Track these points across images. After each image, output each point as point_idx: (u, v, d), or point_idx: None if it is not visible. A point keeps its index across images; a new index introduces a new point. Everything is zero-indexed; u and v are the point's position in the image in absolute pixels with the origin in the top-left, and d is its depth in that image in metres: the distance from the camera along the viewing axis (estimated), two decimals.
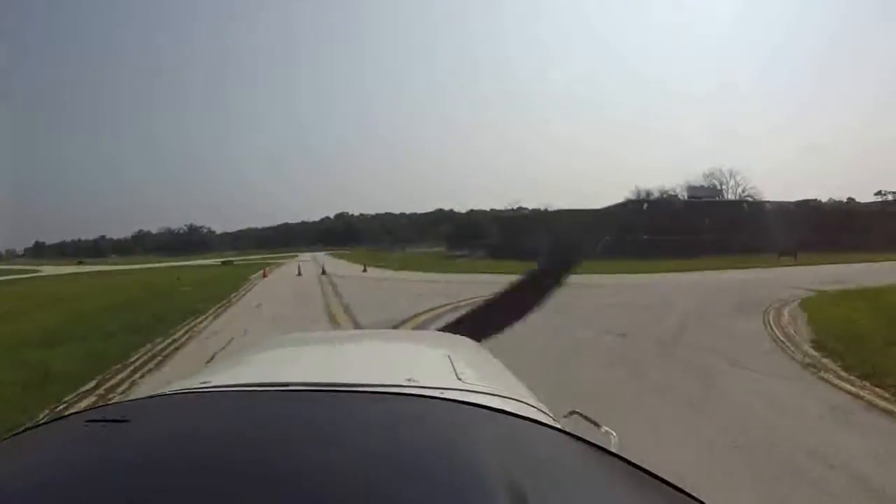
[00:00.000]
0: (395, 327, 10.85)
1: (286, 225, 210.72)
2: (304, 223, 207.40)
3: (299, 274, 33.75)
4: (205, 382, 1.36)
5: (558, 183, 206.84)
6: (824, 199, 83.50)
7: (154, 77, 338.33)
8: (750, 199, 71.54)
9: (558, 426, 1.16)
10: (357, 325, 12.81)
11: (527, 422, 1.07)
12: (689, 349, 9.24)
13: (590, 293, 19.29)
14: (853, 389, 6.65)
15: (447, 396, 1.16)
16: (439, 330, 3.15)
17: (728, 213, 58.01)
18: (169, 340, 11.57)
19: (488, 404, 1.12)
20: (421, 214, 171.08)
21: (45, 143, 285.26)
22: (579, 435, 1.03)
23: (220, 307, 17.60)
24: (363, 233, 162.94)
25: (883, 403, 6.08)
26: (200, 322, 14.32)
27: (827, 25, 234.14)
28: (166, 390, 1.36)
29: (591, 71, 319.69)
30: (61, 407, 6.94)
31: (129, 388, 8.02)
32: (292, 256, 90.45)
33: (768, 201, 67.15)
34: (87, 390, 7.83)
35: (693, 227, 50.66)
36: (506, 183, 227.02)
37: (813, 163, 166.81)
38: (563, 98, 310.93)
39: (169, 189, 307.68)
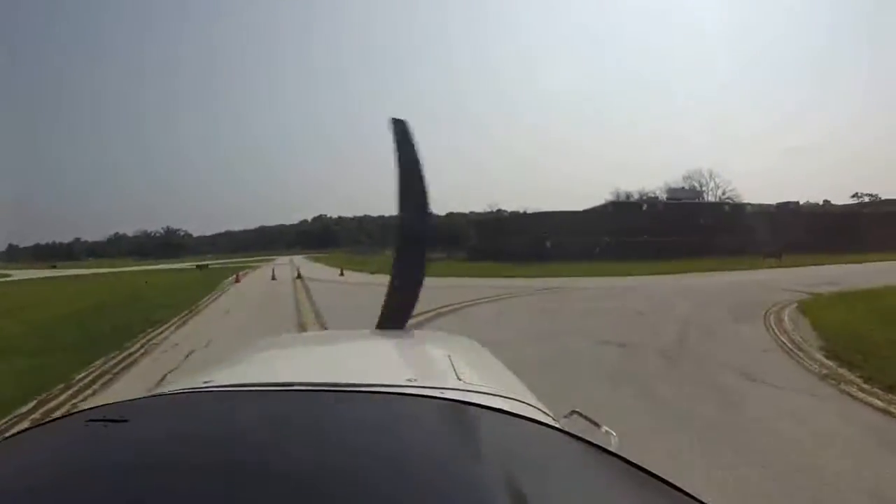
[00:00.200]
0: None
1: (264, 228, 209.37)
2: (281, 226, 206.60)
3: (273, 278, 32.64)
4: (205, 382, 1.34)
5: (537, 186, 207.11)
6: (801, 202, 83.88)
7: (131, 79, 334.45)
8: (730, 200, 71.70)
9: (558, 426, 1.15)
10: None
11: (527, 422, 1.07)
12: (695, 361, 8.49)
13: (577, 297, 18.95)
14: (881, 405, 6.17)
15: (447, 396, 1.16)
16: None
17: (709, 215, 57.78)
18: (124, 355, 10.54)
19: (488, 404, 1.12)
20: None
21: (19, 146, 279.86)
22: (579, 435, 1.02)
23: (185, 315, 16.53)
24: (341, 235, 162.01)
25: None
26: (161, 332, 13.26)
27: (807, 31, 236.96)
28: (166, 390, 1.36)
29: (572, 74, 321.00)
30: None
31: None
32: (269, 260, 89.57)
33: (749, 203, 67.20)
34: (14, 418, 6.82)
35: (675, 229, 50.22)
36: (484, 186, 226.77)
37: (789, 166, 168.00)
38: (543, 101, 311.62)
39: (146, 192, 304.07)
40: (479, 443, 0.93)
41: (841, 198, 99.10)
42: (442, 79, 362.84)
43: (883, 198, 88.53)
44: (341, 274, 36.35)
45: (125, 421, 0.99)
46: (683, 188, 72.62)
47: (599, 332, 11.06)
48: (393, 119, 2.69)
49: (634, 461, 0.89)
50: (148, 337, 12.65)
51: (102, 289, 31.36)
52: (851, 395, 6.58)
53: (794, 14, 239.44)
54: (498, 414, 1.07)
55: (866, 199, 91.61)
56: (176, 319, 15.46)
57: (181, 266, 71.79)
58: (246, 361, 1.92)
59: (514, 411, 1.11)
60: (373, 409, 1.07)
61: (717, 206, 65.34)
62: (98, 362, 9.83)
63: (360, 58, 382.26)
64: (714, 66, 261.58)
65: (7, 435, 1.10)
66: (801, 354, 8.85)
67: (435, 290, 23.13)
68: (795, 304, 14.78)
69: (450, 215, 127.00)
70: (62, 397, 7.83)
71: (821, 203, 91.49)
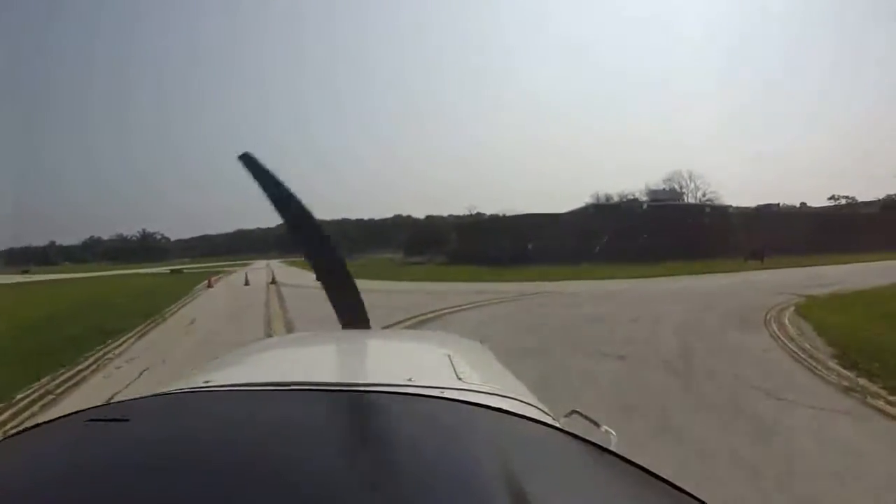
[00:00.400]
0: None
1: (241, 231, 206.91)
2: (259, 229, 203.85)
3: (247, 283, 31.50)
4: (205, 382, 1.34)
5: (516, 189, 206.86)
6: (780, 204, 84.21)
7: (106, 80, 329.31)
8: (710, 202, 71.53)
9: (558, 426, 1.16)
10: None
11: (527, 421, 1.08)
12: (708, 377, 7.69)
13: (565, 302, 18.10)
14: None
15: (447, 396, 1.16)
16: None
17: (691, 217, 57.51)
18: (72, 373, 9.48)
19: (488, 404, 1.12)
20: (378, 220, 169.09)
21: None
22: (579, 434, 1.03)
23: (148, 324, 15.45)
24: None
25: None
26: (120, 345, 12.19)
27: (782, 32, 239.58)
28: (166, 390, 1.34)
29: (552, 77, 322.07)
30: None
31: None
32: (247, 264, 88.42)
33: (730, 205, 67.16)
34: None
35: (656, 231, 49.79)
36: (464, 189, 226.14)
37: (766, 168, 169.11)
38: (523, 105, 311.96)
39: (122, 195, 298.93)
40: (479, 443, 0.93)
41: (817, 200, 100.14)
42: (419, 81, 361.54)
43: (859, 200, 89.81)
44: (317, 279, 35.04)
45: (125, 421, 1.02)
46: (664, 189, 72.51)
47: (594, 342, 10.26)
48: (239, 157, 2.75)
49: (634, 461, 0.89)
50: (104, 350, 11.61)
51: (67, 296, 29.91)
52: (883, 412, 6.14)
53: (767, 16, 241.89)
54: (498, 414, 1.07)
55: (843, 202, 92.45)
56: (138, 330, 14.38)
57: (156, 270, 69.94)
58: (246, 361, 1.89)
59: (514, 411, 1.11)
60: (373, 410, 1.08)
61: (699, 208, 65.07)
62: (41, 381, 8.82)
63: (340, 57, 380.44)
64: (692, 69, 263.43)
65: (7, 435, 1.10)
66: (815, 364, 8.29)
67: (415, 294, 22.95)
68: (793, 308, 14.38)
69: (429, 218, 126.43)
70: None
71: (797, 206, 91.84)
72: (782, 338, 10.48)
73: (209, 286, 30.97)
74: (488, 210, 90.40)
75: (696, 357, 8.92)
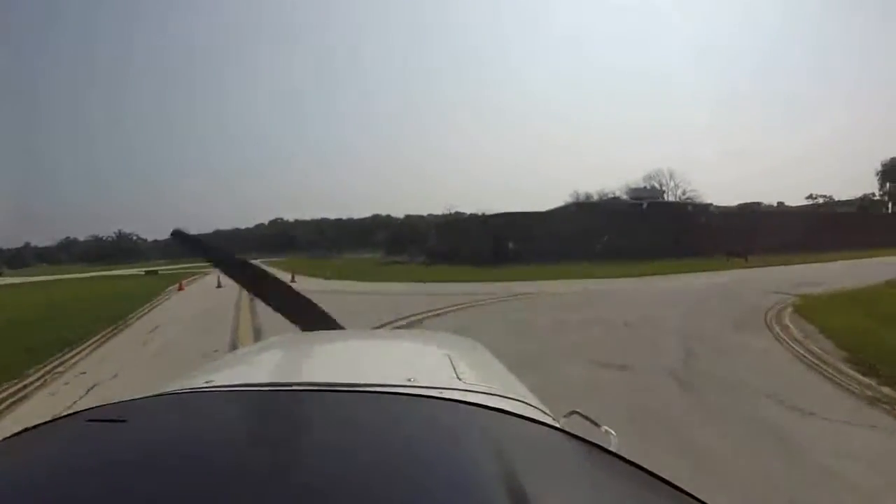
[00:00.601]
0: None
1: (219, 232, 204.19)
2: (237, 230, 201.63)
3: (219, 286, 30.21)
4: (206, 382, 1.34)
5: (495, 188, 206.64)
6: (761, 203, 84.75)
7: (79, 79, 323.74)
8: (690, 200, 71.44)
9: (558, 426, 1.16)
10: None
11: (527, 422, 1.08)
12: (719, 387, 6.98)
13: (551, 304, 17.32)
14: None
15: (447, 396, 1.16)
16: None
17: (673, 215, 57.19)
18: (15, 389, 8.54)
19: (488, 404, 1.12)
20: (357, 220, 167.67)
21: None
22: (579, 435, 1.02)
23: (109, 332, 14.40)
24: (299, 239, 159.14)
25: None
26: (75, 356, 11.21)
27: (760, 30, 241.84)
28: (166, 390, 1.34)
29: (529, 76, 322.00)
30: None
31: None
32: None
33: (710, 203, 67.06)
34: None
35: (638, 229, 49.42)
36: (442, 188, 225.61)
37: (743, 167, 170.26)
38: (501, 104, 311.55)
39: (98, 195, 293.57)
40: (479, 443, 0.92)
41: (793, 199, 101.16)
42: (395, 81, 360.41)
43: (836, 199, 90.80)
44: (292, 280, 33.76)
45: (125, 421, 1.01)
46: (645, 188, 72.34)
47: (590, 349, 9.47)
48: (171, 234, 3.04)
49: (634, 461, 0.89)
50: (59, 361, 10.69)
51: (34, 300, 28.58)
52: None
53: (748, 14, 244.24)
54: (498, 414, 1.07)
55: (821, 201, 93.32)
56: (98, 338, 13.38)
57: (131, 272, 68.25)
58: (246, 361, 1.94)
59: (514, 411, 1.11)
60: (373, 409, 1.08)
61: (680, 206, 64.87)
62: None
63: (314, 57, 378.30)
64: (670, 69, 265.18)
65: (7, 435, 1.02)
66: (830, 371, 7.72)
67: (391, 297, 21.85)
68: (790, 308, 13.83)
69: (408, 217, 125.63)
70: None
71: (775, 204, 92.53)
72: (788, 340, 9.92)
73: (180, 289, 29.83)
74: (467, 209, 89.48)
75: (700, 363, 8.26)
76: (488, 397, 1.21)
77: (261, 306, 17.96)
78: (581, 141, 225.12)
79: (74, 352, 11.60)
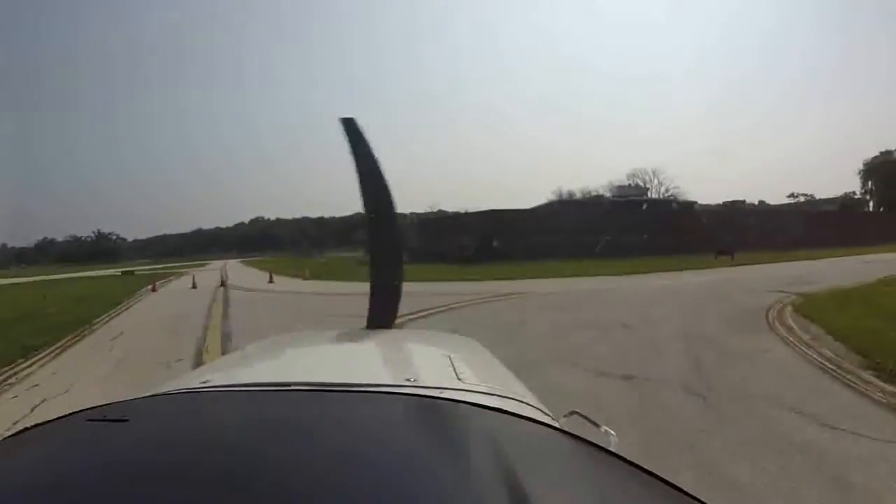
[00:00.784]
0: None
1: (200, 231, 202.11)
2: (218, 229, 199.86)
3: (193, 287, 29.23)
4: (205, 382, 1.35)
5: (478, 186, 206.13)
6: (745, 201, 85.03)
7: (57, 75, 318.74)
8: (673, 198, 71.24)
9: (558, 426, 1.16)
10: None
11: (527, 422, 1.08)
12: (735, 399, 6.29)
13: (542, 305, 16.50)
14: None
15: (447, 396, 1.16)
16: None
17: (657, 213, 56.88)
18: None
19: (488, 404, 1.12)
20: (339, 218, 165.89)
21: None
22: (579, 435, 1.03)
23: (72, 338, 13.48)
24: (280, 238, 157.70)
25: None
26: (30, 366, 10.32)
27: (745, 32, 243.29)
28: (166, 390, 1.35)
29: (514, 76, 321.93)
30: None
31: None
32: (203, 264, 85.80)
33: (695, 201, 66.90)
34: None
35: (622, 227, 48.87)
36: (426, 186, 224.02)
37: (724, 166, 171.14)
38: (485, 104, 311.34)
39: (76, 194, 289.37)
40: (479, 443, 0.92)
41: (775, 198, 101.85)
42: (376, 78, 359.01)
43: (818, 197, 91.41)
44: (270, 280, 32.59)
45: (125, 421, 1.02)
46: (630, 186, 72.12)
47: (588, 355, 8.73)
48: (342, 119, 2.70)
49: (634, 461, 0.89)
50: (11, 372, 9.80)
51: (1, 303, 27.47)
52: None
53: (732, 15, 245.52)
54: (498, 414, 1.07)
55: (802, 199, 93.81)
56: (58, 345, 12.44)
57: (108, 273, 66.79)
58: (245, 361, 1.93)
59: (514, 411, 1.11)
60: (373, 409, 1.08)
61: (665, 204, 64.60)
62: None
63: (292, 58, 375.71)
64: (652, 68, 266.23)
65: (7, 435, 1.04)
66: (851, 378, 7.10)
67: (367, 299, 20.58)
68: (790, 308, 13.23)
69: None
70: None
71: (756, 203, 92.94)
72: (797, 343, 9.29)
73: (153, 290, 28.57)
74: (450, 207, 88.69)
75: (709, 371, 7.56)
76: (488, 397, 1.22)
77: (235, 308, 17.15)
78: (564, 140, 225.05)
79: (30, 361, 10.71)
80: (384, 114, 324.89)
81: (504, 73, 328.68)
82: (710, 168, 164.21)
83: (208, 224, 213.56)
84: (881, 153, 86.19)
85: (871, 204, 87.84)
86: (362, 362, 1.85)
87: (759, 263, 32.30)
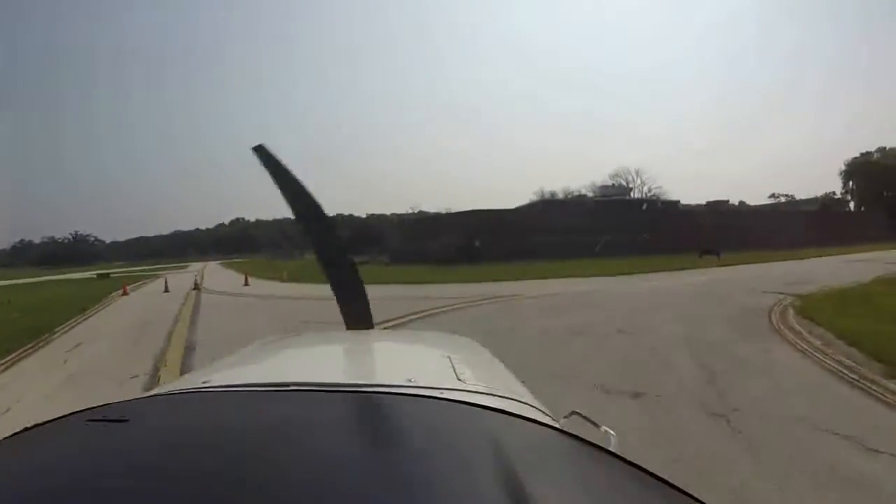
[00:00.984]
0: None
1: (179, 233, 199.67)
2: (197, 230, 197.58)
3: (166, 290, 27.96)
4: (205, 382, 1.33)
5: (459, 187, 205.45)
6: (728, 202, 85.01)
7: (34, 74, 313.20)
8: (657, 198, 70.92)
9: (558, 426, 1.15)
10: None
11: (527, 422, 1.07)
12: (764, 422, 5.51)
13: (531, 309, 15.54)
14: None
15: (447, 396, 1.16)
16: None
17: (641, 213, 56.49)
18: None
19: (488, 404, 1.12)
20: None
21: None
22: (579, 435, 1.02)
23: (26, 349, 12.43)
24: (260, 239, 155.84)
25: None
26: None
27: (727, 33, 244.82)
28: (167, 390, 1.34)
29: (488, 76, 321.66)
30: None
31: None
32: (182, 267, 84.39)
33: (678, 200, 66.66)
34: None
35: (606, 227, 48.30)
36: (408, 187, 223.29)
37: (705, 166, 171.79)
38: (466, 104, 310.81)
39: (54, 196, 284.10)
40: (479, 443, 0.92)
41: (754, 198, 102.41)
42: (356, 79, 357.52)
43: (798, 197, 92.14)
44: (246, 283, 31.17)
45: (125, 421, 1.01)
46: (613, 185, 71.89)
47: (588, 367, 7.93)
48: (253, 148, 2.75)
49: (634, 461, 0.88)
50: None
51: None
52: None
53: (713, 15, 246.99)
54: (498, 414, 1.07)
55: (783, 200, 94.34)
56: (11, 357, 11.45)
57: (83, 276, 65.02)
58: (245, 361, 1.90)
59: (514, 411, 1.10)
60: (373, 410, 1.08)
61: (650, 204, 64.21)
62: None
63: (273, 57, 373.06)
64: (634, 69, 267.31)
65: (7, 435, 1.02)
66: (875, 388, 6.54)
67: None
68: (791, 310, 12.63)
69: (371, 217, 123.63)
70: None
71: (737, 203, 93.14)
72: (809, 350, 8.65)
73: (124, 293, 27.32)
74: (432, 208, 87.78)
75: (723, 384, 6.80)
76: (488, 397, 1.21)
77: (205, 313, 16.15)
78: (546, 141, 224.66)
79: None
80: (365, 113, 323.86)
81: (485, 72, 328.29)
82: (690, 169, 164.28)
83: (188, 225, 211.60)
84: (861, 154, 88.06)
85: (851, 204, 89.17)
86: (362, 363, 1.85)
87: (747, 263, 31.89)
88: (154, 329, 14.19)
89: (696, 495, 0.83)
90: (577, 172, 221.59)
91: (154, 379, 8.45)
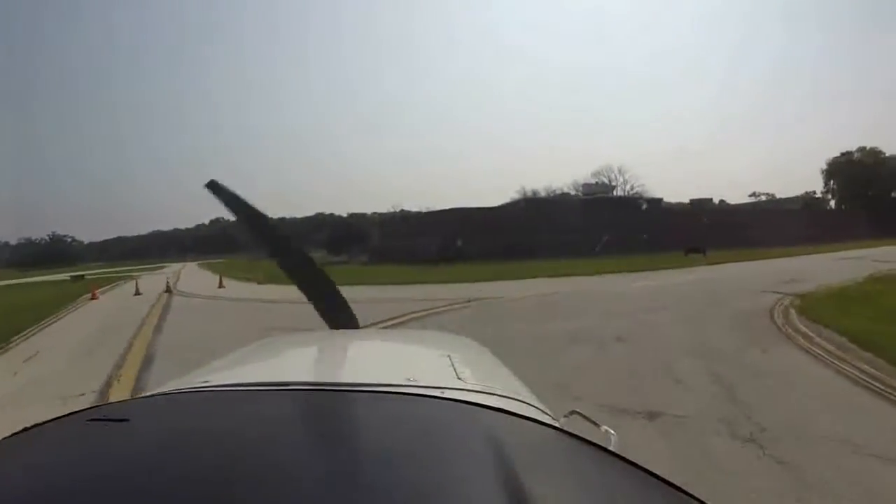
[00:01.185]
0: None
1: (158, 233, 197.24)
2: (177, 230, 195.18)
3: (137, 293, 26.81)
4: (205, 382, 1.33)
5: (440, 186, 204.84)
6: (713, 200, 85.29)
7: (8, 71, 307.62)
8: (640, 196, 70.66)
9: (558, 426, 1.14)
10: None
11: (527, 421, 1.07)
12: (798, 442, 4.85)
13: (518, 313, 14.65)
14: None
15: (447, 396, 1.15)
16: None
17: (625, 211, 56.18)
18: None
19: (488, 404, 1.11)
20: (301, 219, 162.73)
21: None
22: (579, 434, 1.01)
23: None
24: (239, 239, 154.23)
25: None
26: None
27: (707, 32, 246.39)
28: (166, 389, 1.33)
29: (468, 75, 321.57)
30: None
31: None
32: (160, 267, 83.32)
33: (661, 198, 66.44)
34: None
35: (590, 226, 47.78)
36: (389, 186, 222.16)
37: (686, 165, 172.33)
38: (447, 102, 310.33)
39: (30, 195, 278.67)
40: (479, 443, 0.90)
41: (735, 197, 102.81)
42: (339, 78, 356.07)
43: (779, 197, 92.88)
44: (220, 285, 29.87)
45: (125, 420, 1.01)
46: (596, 183, 71.69)
47: (591, 381, 7.16)
48: (206, 185, 2.76)
49: (634, 461, 0.87)
50: None
51: None
52: None
53: (695, 15, 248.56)
54: (498, 414, 1.06)
55: (764, 199, 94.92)
56: None
57: (58, 278, 63.23)
58: (245, 361, 1.89)
59: (514, 411, 1.10)
60: (373, 409, 1.07)
61: (633, 202, 63.92)
62: None
63: (255, 57, 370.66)
64: (615, 66, 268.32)
65: (7, 435, 1.01)
66: None
67: (299, 308, 18.24)
68: (794, 311, 12.08)
69: (352, 216, 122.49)
70: None
71: (717, 202, 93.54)
72: (824, 356, 8.05)
73: (93, 298, 25.92)
74: (414, 207, 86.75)
75: (749, 401, 6.02)
76: (488, 397, 1.20)
77: (174, 317, 15.21)
78: (528, 138, 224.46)
79: None
80: (348, 113, 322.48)
81: (464, 70, 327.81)
82: (671, 167, 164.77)
83: (167, 225, 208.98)
84: (842, 154, 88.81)
85: (832, 203, 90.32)
86: (362, 362, 1.80)
87: (734, 262, 31.45)
88: (118, 336, 13.18)
89: (696, 495, 0.81)
90: (558, 170, 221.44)
91: (104, 397, 7.57)
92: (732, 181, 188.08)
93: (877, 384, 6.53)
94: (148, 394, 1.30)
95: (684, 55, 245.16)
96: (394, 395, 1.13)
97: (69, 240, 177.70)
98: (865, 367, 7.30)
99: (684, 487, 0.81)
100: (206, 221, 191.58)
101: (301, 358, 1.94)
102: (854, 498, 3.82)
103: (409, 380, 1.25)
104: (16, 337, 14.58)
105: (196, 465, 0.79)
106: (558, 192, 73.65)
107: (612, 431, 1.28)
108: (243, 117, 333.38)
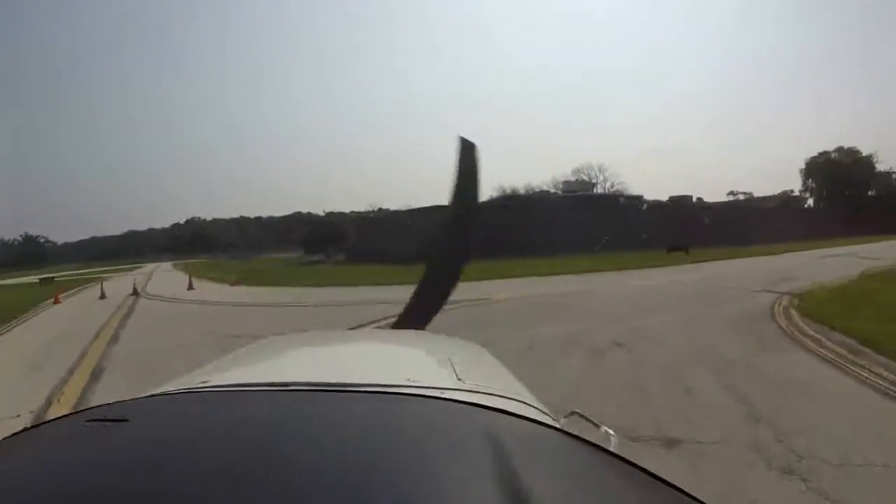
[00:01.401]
0: None
1: (133, 233, 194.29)
2: (152, 230, 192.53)
3: (102, 297, 25.68)
4: (204, 382, 1.33)
5: (418, 184, 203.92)
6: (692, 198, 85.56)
7: None
8: (620, 193, 70.46)
9: (558, 426, 1.13)
10: None
11: (527, 422, 1.07)
12: (833, 469, 4.23)
13: (507, 317, 13.89)
14: None
15: (447, 396, 1.15)
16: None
17: (605, 209, 55.72)
18: None
19: (488, 404, 1.11)
20: (278, 218, 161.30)
21: None
22: (579, 435, 1.02)
23: None
24: (217, 239, 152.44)
25: None
26: None
27: (688, 31, 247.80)
28: (166, 389, 1.33)
29: (454, 72, 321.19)
30: None
31: None
32: (134, 268, 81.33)
33: (641, 195, 66.26)
34: None
35: (570, 224, 47.30)
36: (368, 185, 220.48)
37: (664, 164, 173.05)
38: (426, 101, 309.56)
39: (1, 195, 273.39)
40: (479, 443, 0.90)
41: (712, 195, 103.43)
42: (317, 77, 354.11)
43: (756, 195, 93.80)
44: (190, 287, 28.77)
45: (125, 420, 1.01)
46: (577, 181, 71.51)
47: (593, 396, 6.41)
48: (461, 138, 2.91)
49: (634, 462, 0.88)
50: None
51: None
52: None
53: (676, 15, 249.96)
54: (498, 414, 1.06)
55: (741, 197, 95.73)
56: None
57: (26, 280, 61.48)
58: (245, 361, 1.89)
59: (514, 411, 1.10)
60: (373, 410, 1.07)
61: (612, 199, 63.67)
62: None
63: (236, 52, 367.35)
64: (593, 64, 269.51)
65: (7, 435, 1.02)
66: None
67: (294, 311, 17.80)
68: (795, 311, 11.62)
69: (329, 215, 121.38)
70: None
71: (695, 200, 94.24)
72: (837, 360, 7.59)
73: (56, 302, 24.71)
74: (393, 206, 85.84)
75: (776, 422, 5.27)
76: (488, 397, 1.20)
77: (136, 321, 14.23)
78: (507, 136, 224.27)
79: None
80: (325, 112, 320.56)
81: (443, 68, 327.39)
82: (648, 166, 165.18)
83: (142, 225, 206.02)
84: (820, 153, 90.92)
85: (810, 201, 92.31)
86: (362, 362, 1.78)
87: (718, 260, 31.08)
88: (71, 345, 12.20)
89: (696, 496, 0.81)
90: (538, 169, 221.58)
91: (40, 418, 6.69)
92: (710, 180, 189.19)
93: None
94: (148, 394, 1.27)
95: (663, 55, 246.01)
96: (394, 396, 1.12)
97: (42, 240, 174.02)
98: (885, 373, 6.79)
99: (684, 488, 0.80)
100: (182, 221, 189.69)
101: (301, 358, 1.89)
102: None
103: (409, 380, 1.24)
104: None
105: (196, 466, 0.78)
106: (538, 189, 73.13)
107: (612, 432, 1.28)
108: (221, 115, 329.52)
